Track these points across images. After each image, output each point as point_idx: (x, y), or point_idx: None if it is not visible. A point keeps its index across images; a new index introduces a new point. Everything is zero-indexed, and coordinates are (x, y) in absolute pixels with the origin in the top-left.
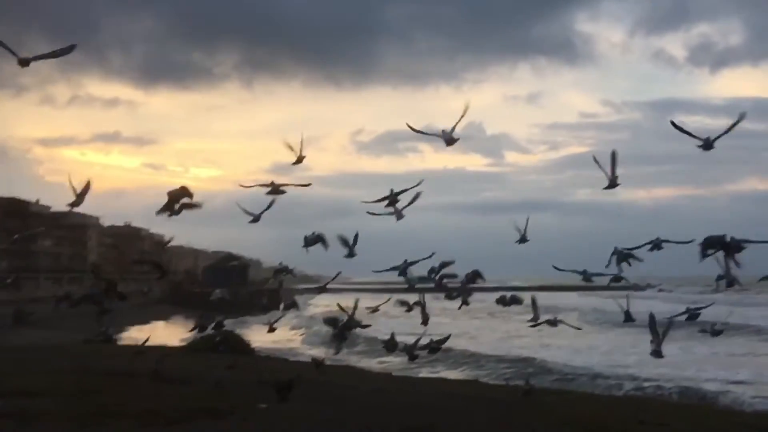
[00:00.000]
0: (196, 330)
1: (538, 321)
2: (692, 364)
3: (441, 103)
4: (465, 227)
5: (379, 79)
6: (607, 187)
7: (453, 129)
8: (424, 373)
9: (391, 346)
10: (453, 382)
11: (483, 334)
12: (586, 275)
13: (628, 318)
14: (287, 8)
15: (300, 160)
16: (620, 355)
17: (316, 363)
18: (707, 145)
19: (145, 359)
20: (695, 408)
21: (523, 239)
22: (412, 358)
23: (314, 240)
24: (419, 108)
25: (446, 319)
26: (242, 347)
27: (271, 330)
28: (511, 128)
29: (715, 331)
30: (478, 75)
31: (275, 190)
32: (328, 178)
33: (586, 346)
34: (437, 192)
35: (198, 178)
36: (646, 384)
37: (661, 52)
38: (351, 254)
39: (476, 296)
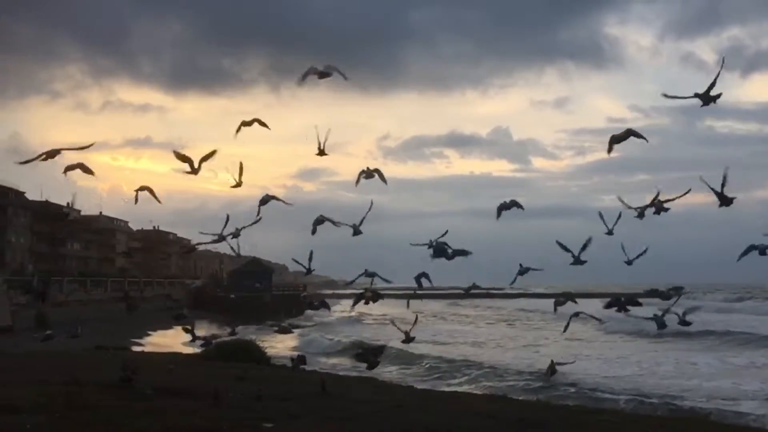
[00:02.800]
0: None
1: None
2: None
3: (467, 108)
4: (490, 233)
5: (405, 84)
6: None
7: None
8: (447, 386)
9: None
10: (480, 398)
11: (505, 342)
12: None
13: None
14: (314, 14)
15: (322, 152)
16: (650, 367)
17: (323, 383)
18: (705, 99)
19: (150, 370)
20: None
21: (577, 260)
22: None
23: (320, 221)
24: (445, 113)
25: (466, 326)
26: (257, 356)
27: (286, 331)
28: (538, 133)
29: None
30: (504, 80)
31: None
32: (353, 184)
33: (613, 356)
34: (463, 197)
35: (226, 183)
36: (684, 402)
37: (691, 55)
38: (357, 232)
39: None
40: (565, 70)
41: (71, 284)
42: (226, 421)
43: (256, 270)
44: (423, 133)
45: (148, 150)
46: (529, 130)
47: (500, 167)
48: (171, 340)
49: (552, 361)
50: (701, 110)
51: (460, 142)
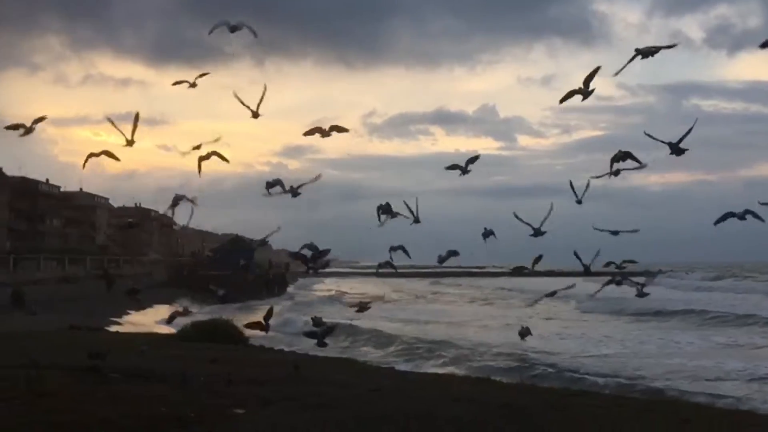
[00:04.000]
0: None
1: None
2: (710, 357)
3: (454, 85)
4: (476, 211)
5: (392, 60)
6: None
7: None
8: (430, 366)
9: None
10: (461, 380)
11: (484, 322)
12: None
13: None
14: None
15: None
16: (633, 346)
17: (295, 366)
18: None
19: (121, 351)
20: (739, 414)
21: (537, 232)
22: (321, 344)
23: (274, 183)
24: (432, 90)
25: (446, 306)
26: (235, 336)
27: (265, 327)
28: (524, 111)
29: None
30: (492, 56)
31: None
32: (339, 161)
33: (593, 336)
34: (449, 175)
35: (210, 160)
36: (668, 382)
37: (679, 33)
38: (294, 193)
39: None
40: (553, 46)
41: (48, 261)
42: (194, 406)
43: (239, 248)
44: (409, 110)
45: (131, 125)
46: (515, 107)
47: (486, 145)
48: (150, 318)
49: (522, 326)
50: (688, 89)
51: (447, 120)
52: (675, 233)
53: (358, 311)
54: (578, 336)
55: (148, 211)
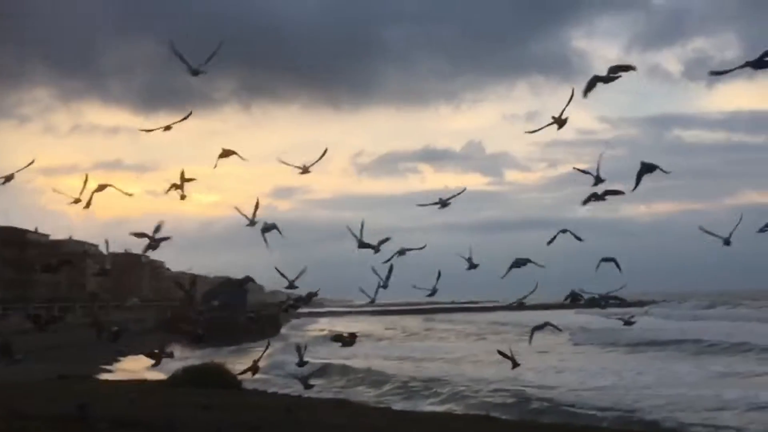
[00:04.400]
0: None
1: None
2: (709, 386)
3: (441, 123)
4: (465, 247)
5: (379, 100)
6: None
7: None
8: (426, 404)
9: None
10: (459, 419)
11: (478, 357)
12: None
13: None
14: (284, 32)
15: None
16: (631, 377)
17: (288, 409)
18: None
19: (109, 400)
20: None
21: (471, 265)
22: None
23: (270, 228)
24: (420, 128)
25: (439, 342)
26: (227, 381)
27: (254, 370)
28: (510, 147)
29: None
30: (476, 95)
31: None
32: (328, 201)
33: (589, 368)
34: (438, 212)
35: (200, 204)
36: (672, 414)
37: (657, 67)
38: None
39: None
40: (536, 83)
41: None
42: None
43: (230, 290)
44: (397, 149)
45: (119, 172)
46: (501, 143)
47: (474, 181)
48: (142, 365)
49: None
50: (669, 121)
51: (434, 157)
52: (666, 262)
53: (343, 345)
54: (574, 369)
55: (139, 256)
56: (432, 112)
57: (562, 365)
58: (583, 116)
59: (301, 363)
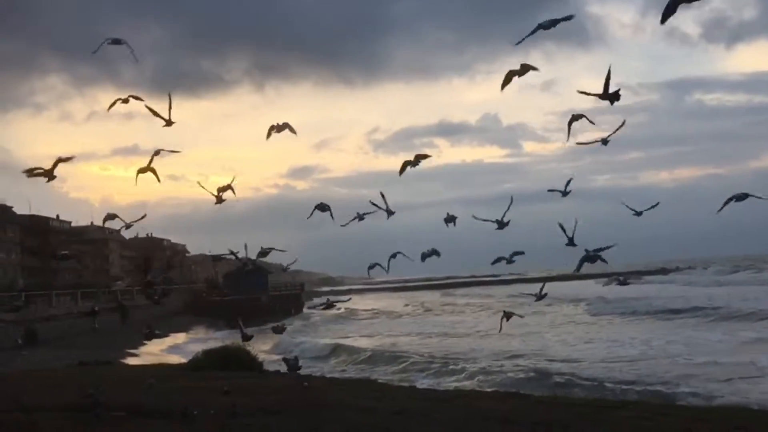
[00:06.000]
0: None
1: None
2: (741, 354)
3: (455, 96)
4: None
5: (391, 75)
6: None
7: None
8: (451, 381)
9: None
10: (487, 397)
11: (497, 332)
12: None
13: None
14: (293, 10)
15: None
16: (660, 346)
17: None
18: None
19: (127, 386)
20: None
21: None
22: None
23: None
24: (433, 102)
25: (459, 317)
26: (248, 363)
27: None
28: (527, 117)
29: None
30: (489, 66)
31: None
32: (346, 179)
33: (612, 339)
34: (456, 186)
35: (218, 186)
36: (707, 384)
37: (675, 30)
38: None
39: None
40: (549, 52)
41: (61, 297)
42: None
43: (252, 271)
44: (412, 124)
45: (137, 158)
46: (517, 114)
47: (491, 153)
48: (167, 348)
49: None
50: (689, 84)
51: (450, 131)
52: (689, 228)
53: (325, 309)
54: (602, 340)
55: (160, 240)
56: (445, 85)
57: (588, 336)
58: (601, 83)
59: (296, 367)
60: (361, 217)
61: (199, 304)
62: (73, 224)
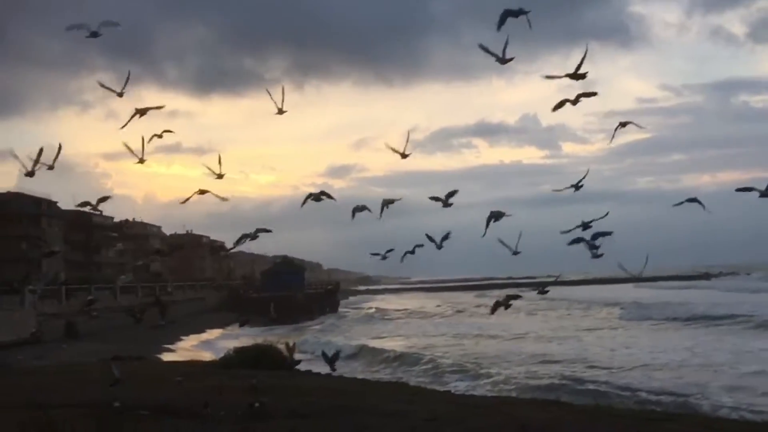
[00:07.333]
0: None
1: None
2: None
3: (494, 97)
4: (523, 221)
5: (430, 75)
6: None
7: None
8: (487, 385)
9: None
10: (525, 405)
11: (535, 334)
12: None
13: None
14: (333, 10)
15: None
16: (705, 353)
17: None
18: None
19: (156, 383)
20: None
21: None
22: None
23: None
24: (472, 102)
25: (493, 318)
26: (280, 362)
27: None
28: (566, 118)
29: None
30: (529, 66)
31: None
32: (384, 179)
33: (651, 346)
34: (494, 187)
35: (257, 184)
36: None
37: (720, 29)
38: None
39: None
40: (592, 51)
41: (101, 291)
42: None
43: (288, 269)
44: (450, 124)
45: (179, 155)
46: (557, 115)
47: (530, 154)
48: (203, 344)
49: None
50: (734, 85)
51: (488, 131)
52: (732, 234)
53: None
54: (643, 346)
55: (200, 236)
56: (484, 85)
57: (627, 342)
58: (643, 84)
59: (333, 360)
60: (386, 205)
61: (236, 300)
62: (115, 219)
